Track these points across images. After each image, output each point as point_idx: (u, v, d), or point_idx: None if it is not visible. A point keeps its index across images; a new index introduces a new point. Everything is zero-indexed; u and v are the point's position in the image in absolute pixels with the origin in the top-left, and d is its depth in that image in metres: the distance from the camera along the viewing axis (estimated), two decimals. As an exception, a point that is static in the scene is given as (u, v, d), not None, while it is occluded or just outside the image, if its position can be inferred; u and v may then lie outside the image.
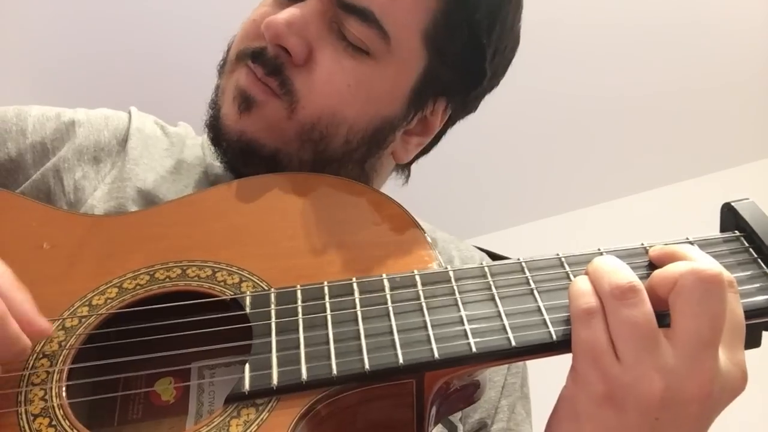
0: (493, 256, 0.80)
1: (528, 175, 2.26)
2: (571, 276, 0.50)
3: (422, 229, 0.56)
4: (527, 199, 2.31)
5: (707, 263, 0.45)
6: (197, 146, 0.75)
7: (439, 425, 0.67)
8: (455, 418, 0.70)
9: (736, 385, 0.45)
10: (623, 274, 0.45)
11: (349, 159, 0.67)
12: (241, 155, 0.66)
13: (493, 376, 0.74)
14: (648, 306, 0.44)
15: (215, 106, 0.68)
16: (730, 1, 1.97)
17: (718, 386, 0.43)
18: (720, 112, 2.15)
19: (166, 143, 0.74)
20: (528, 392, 0.77)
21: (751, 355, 0.50)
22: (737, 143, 2.24)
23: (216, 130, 0.67)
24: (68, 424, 0.46)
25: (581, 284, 0.46)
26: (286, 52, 0.63)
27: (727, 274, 0.45)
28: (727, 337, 0.44)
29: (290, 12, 0.63)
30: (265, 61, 0.63)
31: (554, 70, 1.88)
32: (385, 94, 0.66)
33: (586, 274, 0.47)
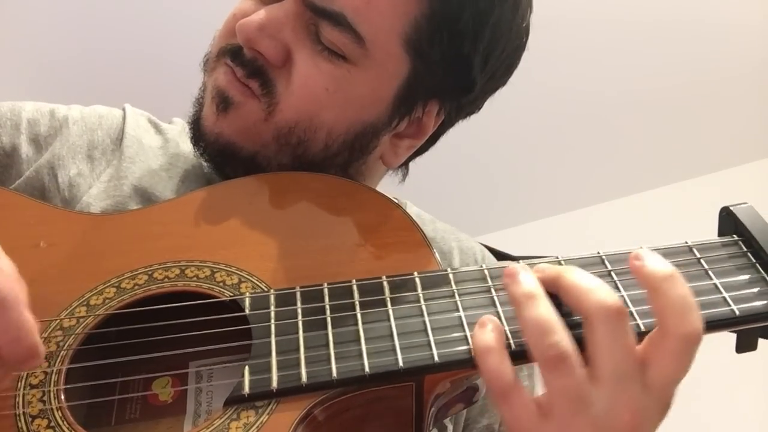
0: (494, 253, 0.80)
1: (528, 175, 2.25)
2: None
3: (421, 230, 0.56)
4: (527, 199, 2.31)
5: (608, 294, 0.43)
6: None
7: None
8: (447, 419, 0.69)
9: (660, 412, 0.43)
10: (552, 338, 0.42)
11: (331, 164, 0.66)
12: (219, 157, 0.65)
13: None
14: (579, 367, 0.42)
15: (198, 104, 0.67)
16: (730, 0, 1.97)
17: (645, 416, 0.42)
18: (719, 111, 2.15)
19: (160, 141, 0.74)
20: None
21: (751, 355, 0.50)
22: (737, 143, 2.24)
23: (196, 130, 0.66)
24: (67, 425, 0.46)
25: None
26: (263, 55, 0.61)
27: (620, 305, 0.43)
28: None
29: (263, 14, 0.61)
30: (244, 62, 0.62)
31: (554, 69, 1.88)
32: (365, 98, 0.64)
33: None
